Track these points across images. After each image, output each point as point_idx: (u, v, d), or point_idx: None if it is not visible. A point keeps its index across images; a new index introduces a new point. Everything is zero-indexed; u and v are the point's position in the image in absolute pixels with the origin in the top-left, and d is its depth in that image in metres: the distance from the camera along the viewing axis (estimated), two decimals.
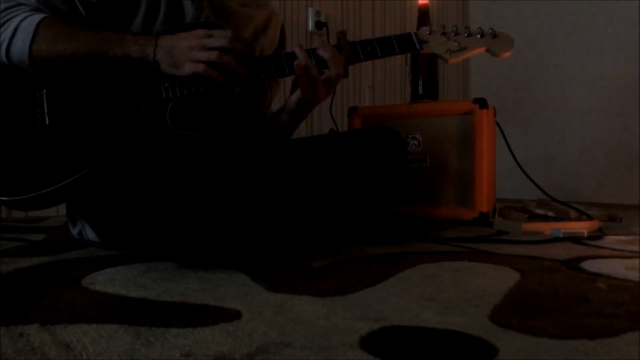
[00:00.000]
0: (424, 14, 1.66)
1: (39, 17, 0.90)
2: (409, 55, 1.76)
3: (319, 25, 2.32)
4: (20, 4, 0.92)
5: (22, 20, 0.90)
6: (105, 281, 0.74)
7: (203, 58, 0.89)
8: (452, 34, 1.02)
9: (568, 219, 1.45)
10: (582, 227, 1.29)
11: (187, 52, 0.89)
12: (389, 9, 2.71)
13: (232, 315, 0.58)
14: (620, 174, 2.38)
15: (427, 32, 1.02)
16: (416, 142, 1.56)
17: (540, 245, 1.10)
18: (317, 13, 2.33)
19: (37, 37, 0.89)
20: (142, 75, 0.92)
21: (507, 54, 1.02)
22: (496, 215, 1.56)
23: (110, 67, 0.91)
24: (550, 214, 1.53)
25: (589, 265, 0.88)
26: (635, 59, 2.33)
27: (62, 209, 1.59)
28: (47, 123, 0.92)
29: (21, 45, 0.89)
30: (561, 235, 1.21)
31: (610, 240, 1.20)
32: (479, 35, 1.02)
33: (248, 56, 0.95)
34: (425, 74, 1.68)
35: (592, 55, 2.50)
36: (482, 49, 1.02)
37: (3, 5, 0.91)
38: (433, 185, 1.54)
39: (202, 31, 0.92)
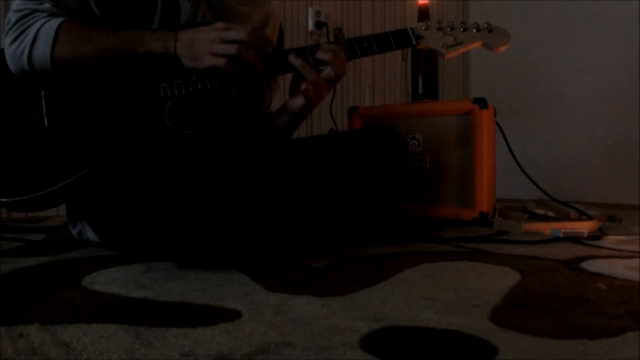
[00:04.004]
0: (424, 14, 1.66)
1: (57, 21, 0.90)
2: (408, 54, 1.76)
3: (319, 25, 2.31)
4: (36, 11, 0.92)
5: (41, 27, 0.90)
6: (105, 281, 0.75)
7: (222, 51, 0.89)
8: (448, 28, 1.02)
9: (568, 219, 1.45)
10: (582, 227, 1.29)
11: (207, 45, 0.89)
12: (389, 9, 2.71)
13: (232, 315, 0.58)
14: (620, 174, 2.38)
15: (423, 28, 1.02)
16: (416, 142, 1.56)
17: (540, 245, 1.10)
18: (317, 13, 2.33)
19: (58, 41, 0.89)
20: (141, 74, 0.92)
21: (503, 48, 1.02)
22: (496, 215, 1.56)
23: (132, 65, 0.91)
24: (550, 214, 1.53)
25: (589, 265, 0.88)
26: (635, 58, 2.33)
27: (62, 209, 1.59)
28: (46, 124, 0.92)
29: (42, 51, 0.89)
30: (561, 235, 1.21)
31: (610, 240, 1.20)
32: (474, 30, 1.02)
33: (265, 51, 0.95)
34: (426, 73, 1.68)
35: (592, 55, 2.50)
36: (478, 43, 1.02)
37: (19, 14, 0.92)
38: (433, 185, 1.54)
39: (222, 24, 0.91)
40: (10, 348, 0.47)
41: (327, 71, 0.96)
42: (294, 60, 0.95)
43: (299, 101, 1.01)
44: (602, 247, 1.09)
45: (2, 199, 0.91)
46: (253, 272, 0.79)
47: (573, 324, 0.55)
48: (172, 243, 0.86)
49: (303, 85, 0.96)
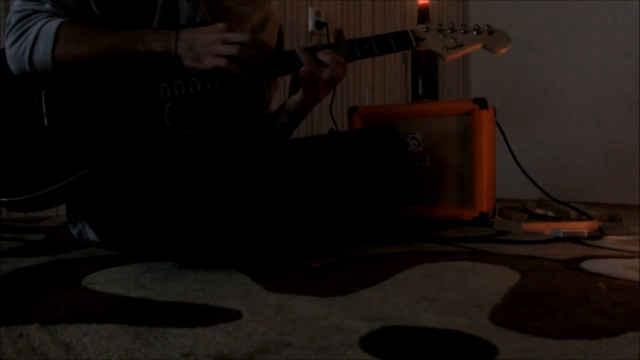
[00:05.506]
0: (424, 14, 1.66)
1: (57, 21, 0.90)
2: (408, 55, 1.76)
3: (319, 25, 2.32)
4: (36, 12, 0.92)
5: (41, 27, 0.90)
6: (105, 281, 0.74)
7: (224, 52, 0.89)
8: (449, 31, 1.02)
9: (568, 219, 1.45)
10: (582, 227, 1.29)
11: (209, 45, 0.89)
12: (389, 9, 2.71)
13: (232, 315, 0.58)
14: (620, 174, 2.38)
15: (424, 30, 1.02)
16: (416, 142, 1.56)
17: (540, 245, 1.10)
18: (317, 13, 2.33)
19: (59, 41, 0.89)
20: (142, 74, 0.93)
21: (503, 50, 1.02)
22: (496, 215, 1.56)
23: (132, 64, 0.91)
24: (550, 214, 1.53)
25: (589, 265, 0.88)
26: (635, 58, 2.33)
27: (62, 209, 1.59)
28: (46, 124, 0.92)
29: (43, 52, 0.89)
30: (561, 235, 1.21)
31: (610, 240, 1.20)
32: (475, 32, 1.02)
33: (267, 53, 0.95)
34: (425, 74, 1.68)
35: (592, 55, 2.50)
36: (479, 46, 1.02)
37: (20, 15, 0.92)
38: (433, 185, 1.54)
39: (224, 25, 0.92)
40: (10, 348, 0.47)
41: (326, 72, 0.96)
42: (301, 54, 0.95)
43: (296, 97, 1.01)
44: (602, 247, 1.09)
45: (2, 199, 0.91)
46: (253, 272, 0.79)
47: (573, 324, 0.55)
48: (173, 243, 0.86)
49: (302, 70, 0.95)
